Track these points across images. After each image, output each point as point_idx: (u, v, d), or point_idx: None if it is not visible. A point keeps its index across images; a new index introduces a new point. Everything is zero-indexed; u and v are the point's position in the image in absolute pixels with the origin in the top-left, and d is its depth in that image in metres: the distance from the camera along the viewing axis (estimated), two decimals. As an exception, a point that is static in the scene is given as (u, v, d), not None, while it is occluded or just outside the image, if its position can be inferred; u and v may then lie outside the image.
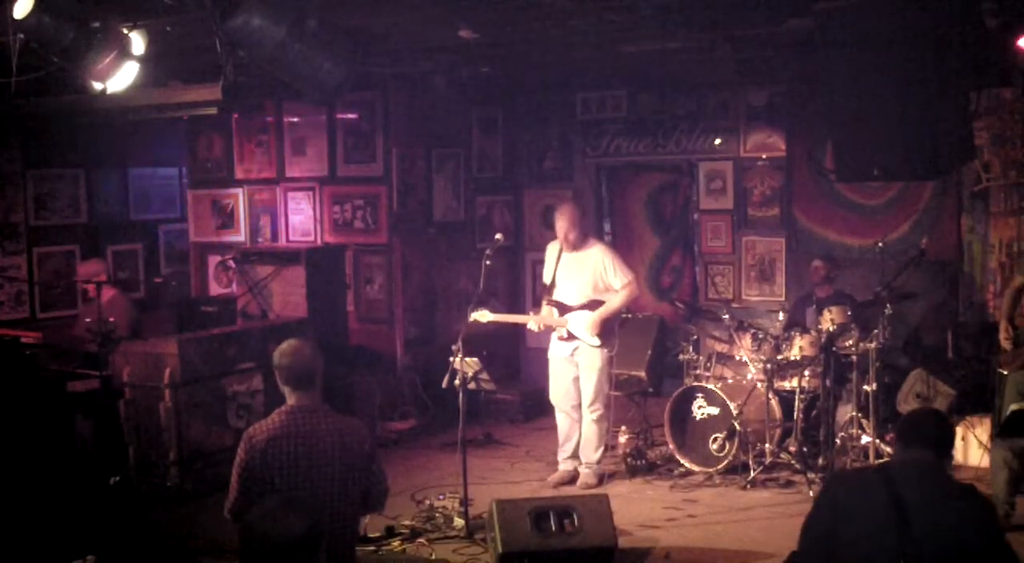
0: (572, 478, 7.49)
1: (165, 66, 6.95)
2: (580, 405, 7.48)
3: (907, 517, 3.30)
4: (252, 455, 4.25)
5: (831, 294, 8.17)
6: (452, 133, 10.00)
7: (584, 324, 7.29)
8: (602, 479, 7.44)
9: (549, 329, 7.51)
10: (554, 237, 7.55)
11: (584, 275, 7.35)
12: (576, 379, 7.45)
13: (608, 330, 7.34)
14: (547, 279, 7.52)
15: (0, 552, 5.80)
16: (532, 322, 7.56)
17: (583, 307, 7.32)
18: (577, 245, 7.38)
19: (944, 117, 5.61)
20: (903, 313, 8.21)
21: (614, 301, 7.31)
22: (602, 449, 7.50)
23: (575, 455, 7.55)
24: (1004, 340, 6.42)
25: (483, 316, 7.29)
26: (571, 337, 7.36)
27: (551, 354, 7.57)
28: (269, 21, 5.27)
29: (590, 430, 7.44)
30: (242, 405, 7.61)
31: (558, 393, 7.54)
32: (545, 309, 7.50)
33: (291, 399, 4.38)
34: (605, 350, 7.36)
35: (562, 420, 7.58)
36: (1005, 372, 6.40)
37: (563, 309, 7.39)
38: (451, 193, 9.99)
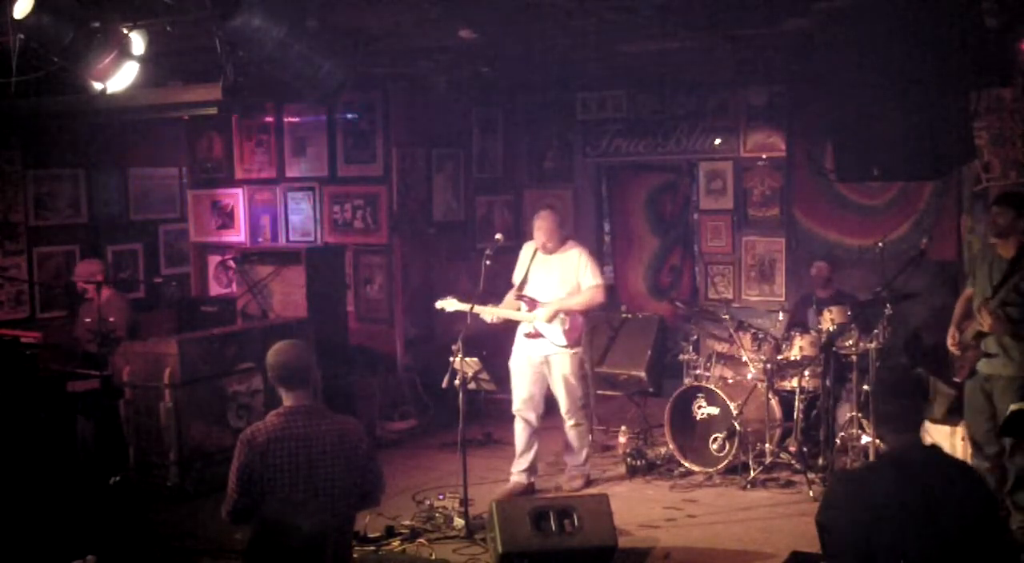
0: (524, 491, 7.19)
1: (165, 66, 6.94)
2: (543, 415, 7.30)
3: (939, 506, 3.30)
4: (252, 457, 4.24)
5: (832, 294, 8.17)
6: (452, 133, 10.00)
7: (543, 313, 7.10)
8: (588, 480, 7.38)
9: (511, 323, 7.25)
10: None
11: (560, 273, 7.17)
12: (542, 387, 7.24)
13: (573, 330, 7.12)
14: (517, 277, 7.29)
15: (0, 552, 5.80)
16: (486, 313, 7.17)
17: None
18: (554, 250, 7.22)
19: (944, 117, 5.60)
20: (903, 313, 8.21)
21: (576, 298, 7.12)
22: (586, 451, 7.38)
23: (531, 468, 7.29)
24: (951, 346, 6.41)
25: (449, 304, 7.22)
26: (537, 334, 7.16)
27: (515, 354, 7.28)
28: (269, 21, 5.27)
29: (571, 436, 7.31)
30: (242, 405, 7.61)
31: (520, 398, 7.24)
32: (508, 300, 7.25)
33: (287, 400, 4.39)
34: (575, 354, 7.17)
35: (521, 430, 7.24)
36: (958, 380, 6.39)
37: (532, 305, 7.19)
38: (451, 193, 10.00)
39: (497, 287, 7.55)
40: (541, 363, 7.21)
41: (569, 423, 7.27)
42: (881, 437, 3.70)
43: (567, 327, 7.12)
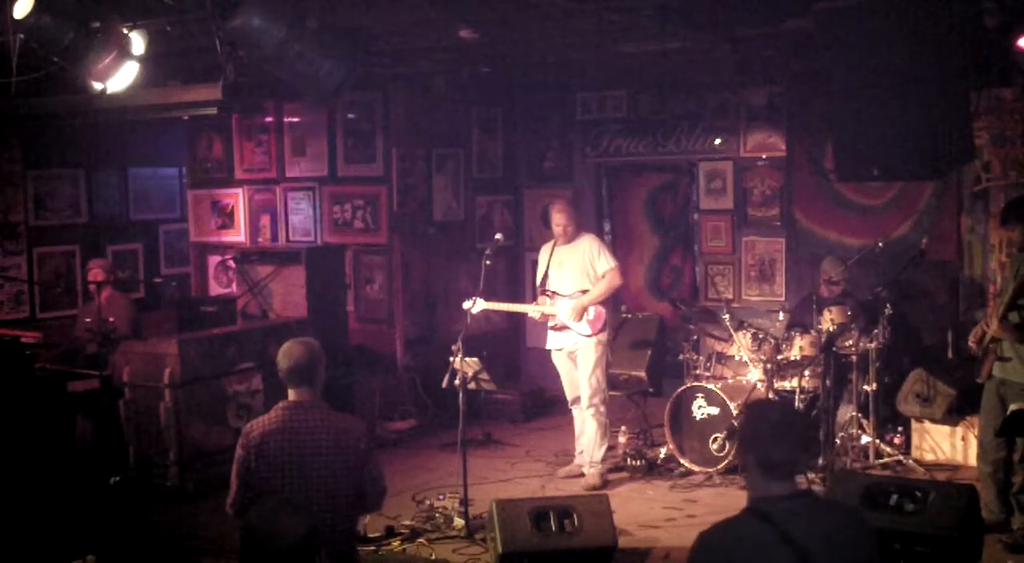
0: (581, 473, 7.53)
1: (165, 66, 6.94)
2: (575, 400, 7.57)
3: None
4: (248, 450, 4.30)
5: (838, 294, 8.16)
6: (452, 133, 10.00)
7: (567, 311, 7.35)
8: (606, 480, 7.42)
9: (547, 319, 7.56)
10: (552, 237, 7.60)
11: (576, 263, 7.45)
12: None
13: (597, 319, 7.37)
14: (540, 276, 7.62)
15: (0, 552, 5.81)
16: (531, 310, 7.66)
17: (572, 296, 7.41)
18: (572, 238, 7.51)
19: (944, 117, 5.59)
20: (903, 313, 8.21)
21: (595, 289, 7.38)
22: (605, 447, 7.49)
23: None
24: (972, 343, 6.36)
25: (477, 305, 7.29)
26: (563, 326, 7.43)
27: (551, 348, 7.61)
28: (269, 21, 5.27)
29: (591, 427, 7.45)
30: (242, 405, 7.61)
31: (567, 388, 7.62)
32: (540, 299, 7.59)
33: (290, 395, 4.42)
34: (599, 344, 7.38)
35: (576, 415, 7.64)
36: (980, 381, 6.37)
37: (555, 298, 7.48)
38: (451, 193, 9.99)
39: (497, 287, 7.58)
40: (570, 353, 7.48)
41: (589, 413, 7.43)
42: (749, 476, 3.18)
43: (591, 317, 7.36)
